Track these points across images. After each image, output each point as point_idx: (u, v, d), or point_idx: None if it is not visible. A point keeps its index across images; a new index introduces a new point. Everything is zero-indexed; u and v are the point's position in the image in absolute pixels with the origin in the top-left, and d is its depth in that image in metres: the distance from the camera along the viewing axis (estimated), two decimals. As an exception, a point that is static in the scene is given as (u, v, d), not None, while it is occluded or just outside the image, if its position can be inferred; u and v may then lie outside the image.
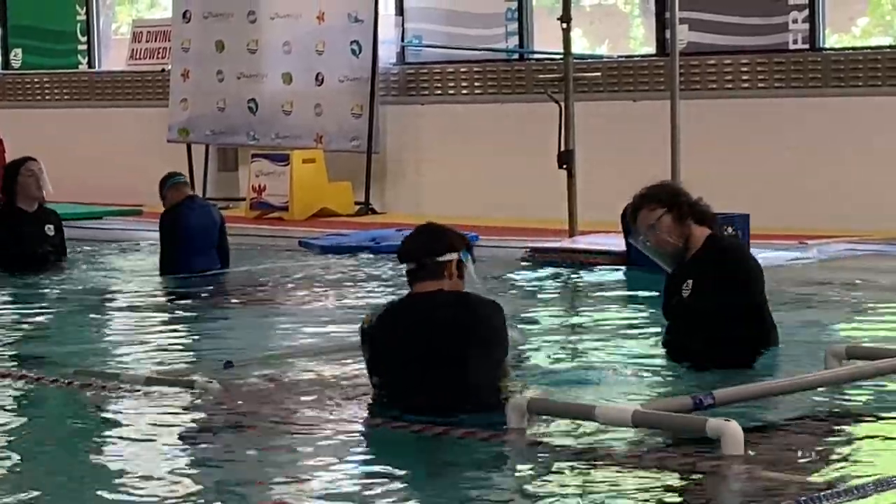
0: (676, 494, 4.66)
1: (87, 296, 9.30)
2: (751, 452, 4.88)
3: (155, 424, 5.59)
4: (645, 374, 6.38)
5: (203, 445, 5.38)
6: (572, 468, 4.88)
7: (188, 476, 4.96)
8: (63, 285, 9.74)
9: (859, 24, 13.40)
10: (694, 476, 4.74)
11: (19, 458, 5.22)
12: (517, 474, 4.93)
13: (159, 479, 4.90)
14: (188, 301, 9.12)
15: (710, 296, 6.29)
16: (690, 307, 6.36)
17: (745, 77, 12.74)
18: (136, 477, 4.93)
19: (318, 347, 7.05)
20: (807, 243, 10.94)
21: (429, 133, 14.40)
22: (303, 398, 5.93)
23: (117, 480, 4.90)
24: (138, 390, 6.08)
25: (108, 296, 9.37)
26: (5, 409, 5.98)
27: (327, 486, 4.84)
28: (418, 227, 5.82)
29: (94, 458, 5.21)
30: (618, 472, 4.83)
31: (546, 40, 13.67)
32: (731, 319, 6.29)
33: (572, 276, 9.80)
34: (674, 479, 4.73)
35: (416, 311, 5.64)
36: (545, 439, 5.20)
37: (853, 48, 12.70)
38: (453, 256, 5.65)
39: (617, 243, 10.00)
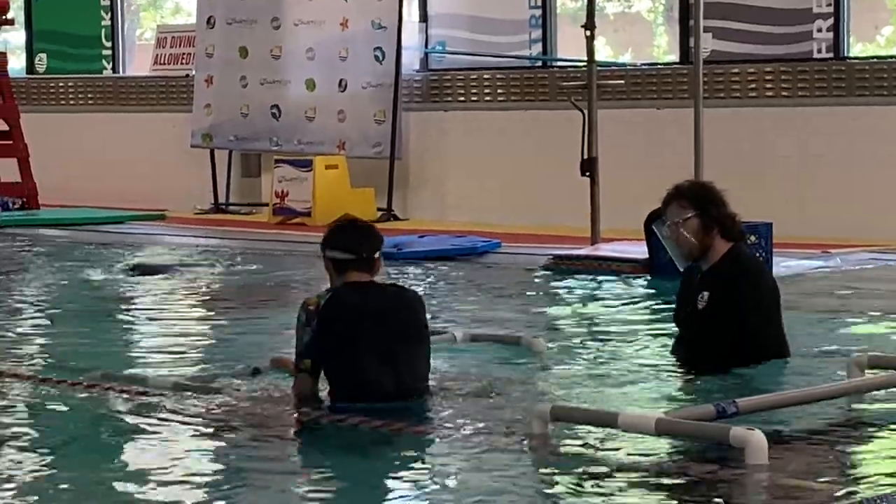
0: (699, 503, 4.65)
1: (107, 300, 9.33)
2: (774, 462, 4.86)
3: (181, 431, 5.59)
4: (668, 382, 6.36)
5: (230, 452, 5.38)
6: (594, 476, 4.87)
7: (214, 482, 4.97)
8: (83, 289, 9.78)
9: (884, 33, 13.37)
10: (717, 485, 4.73)
11: (43, 462, 5.23)
12: (537, 482, 4.92)
13: (185, 484, 4.91)
14: (213, 306, 9.14)
15: (724, 310, 6.29)
16: (705, 320, 6.35)
17: (769, 86, 12.72)
18: (161, 482, 4.94)
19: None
20: (830, 252, 10.91)
21: (451, 140, 14.41)
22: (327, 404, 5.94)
23: (142, 486, 4.91)
24: (165, 395, 6.08)
25: (131, 300, 9.39)
26: (30, 413, 6.00)
27: (356, 491, 4.85)
28: (350, 222, 6.04)
29: (119, 464, 5.22)
30: (640, 480, 4.82)
31: (569, 48, 13.67)
32: (744, 334, 6.29)
33: (595, 283, 9.79)
34: (696, 488, 4.72)
35: (377, 297, 5.79)
36: (567, 447, 5.19)
37: (878, 57, 12.67)
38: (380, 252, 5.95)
39: (640, 251, 9.98)
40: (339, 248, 5.84)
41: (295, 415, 5.73)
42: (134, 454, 5.33)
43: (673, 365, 6.55)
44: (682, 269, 6.60)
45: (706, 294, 6.37)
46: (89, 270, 10.65)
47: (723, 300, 6.31)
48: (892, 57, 12.62)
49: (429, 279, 10.18)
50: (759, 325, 6.35)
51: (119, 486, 4.89)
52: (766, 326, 6.38)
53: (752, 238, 9.74)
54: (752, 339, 6.33)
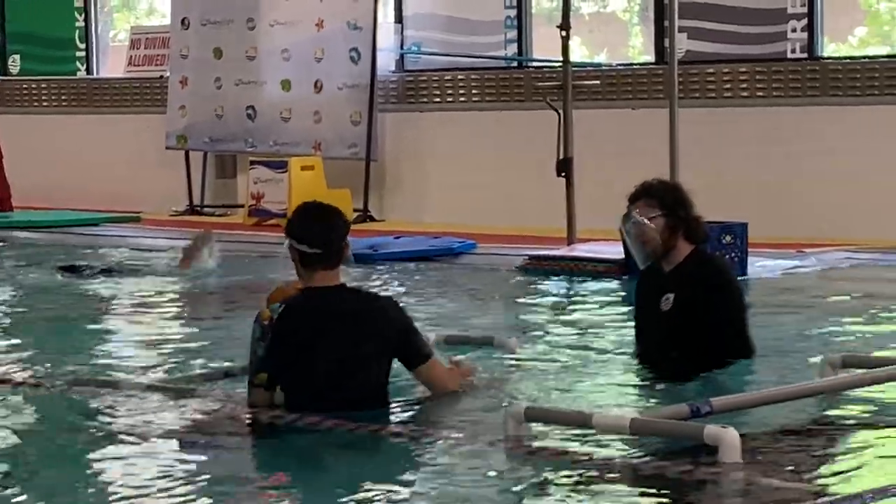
0: (674, 502, 4.65)
1: (84, 302, 9.30)
2: (748, 460, 4.87)
3: (154, 434, 5.57)
4: (642, 383, 6.37)
5: (204, 455, 5.36)
6: (569, 476, 4.87)
7: (187, 488, 4.95)
8: (58, 291, 9.74)
9: (857, 34, 13.42)
10: (692, 484, 4.73)
11: (15, 467, 5.20)
12: (512, 482, 4.92)
13: (159, 489, 4.89)
14: (188, 308, 9.11)
15: (693, 311, 6.25)
16: (672, 321, 6.32)
17: (743, 86, 12.75)
18: (134, 488, 4.92)
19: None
20: (805, 252, 10.94)
21: (427, 140, 14.41)
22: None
23: (114, 491, 4.88)
24: (138, 398, 6.05)
25: (106, 302, 9.35)
26: (1, 417, 5.96)
27: (328, 494, 4.84)
28: (314, 209, 5.79)
29: (92, 468, 5.19)
30: (615, 480, 4.83)
31: (545, 48, 13.68)
32: (713, 334, 6.28)
33: (570, 284, 9.80)
34: (671, 487, 4.72)
35: (341, 300, 5.65)
36: (542, 447, 5.19)
37: (851, 58, 12.72)
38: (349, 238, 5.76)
39: (615, 251, 9.99)
40: (306, 241, 5.63)
41: (267, 418, 5.68)
42: (106, 459, 5.30)
43: (643, 369, 6.53)
44: (641, 268, 6.57)
45: (671, 296, 6.33)
46: (59, 273, 10.60)
47: (691, 300, 6.28)
48: (865, 57, 12.67)
49: (405, 280, 10.17)
50: (732, 324, 6.35)
51: (92, 497, 4.86)
52: (738, 325, 6.39)
53: (728, 238, 9.76)
54: (727, 340, 6.33)
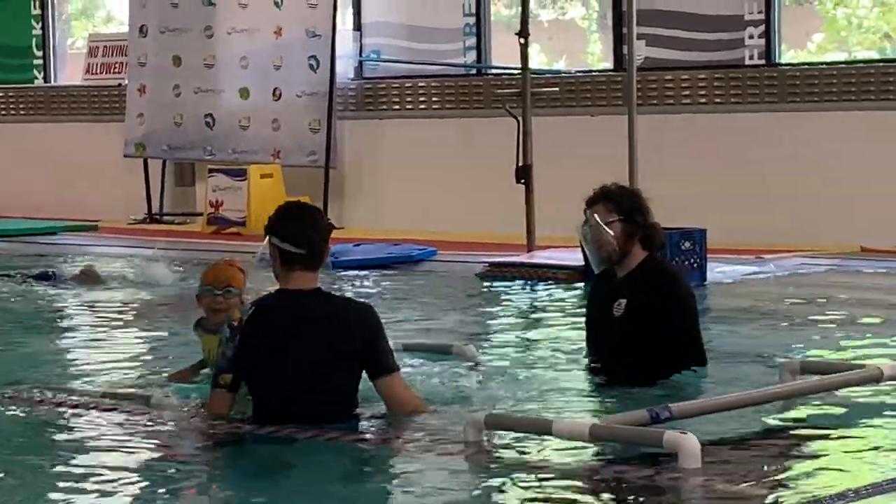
0: (633, 509, 4.66)
1: (41, 310, 9.24)
2: (708, 466, 4.88)
3: (110, 441, 5.53)
4: (602, 389, 6.37)
5: (160, 462, 5.33)
6: (530, 483, 4.87)
7: (142, 493, 4.92)
8: (15, 300, 9.68)
9: (814, 40, 13.50)
10: (652, 490, 4.74)
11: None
12: (474, 489, 4.92)
13: (114, 496, 4.85)
14: (144, 314, 9.06)
15: (646, 317, 6.25)
16: (624, 326, 6.31)
17: (702, 92, 12.80)
18: (89, 494, 4.88)
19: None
20: (763, 258, 10.98)
21: (386, 148, 14.40)
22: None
23: (68, 499, 4.85)
24: (93, 405, 6.01)
25: (62, 309, 9.30)
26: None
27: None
28: (299, 208, 5.77)
29: (46, 477, 5.15)
30: (575, 486, 4.82)
31: (504, 55, 13.70)
32: (667, 342, 6.28)
33: (530, 291, 9.80)
34: (631, 493, 4.73)
35: (315, 304, 5.58)
36: (502, 454, 5.18)
37: (809, 64, 12.79)
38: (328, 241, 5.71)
39: (575, 258, 10.00)
40: (289, 240, 5.55)
41: (227, 426, 5.65)
42: (59, 472, 5.25)
43: (591, 373, 6.54)
44: (596, 272, 6.58)
45: (623, 301, 6.33)
46: (12, 282, 10.53)
47: (643, 307, 6.28)
48: (822, 63, 12.74)
49: (364, 288, 10.15)
50: (686, 332, 6.36)
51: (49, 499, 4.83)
52: (692, 333, 6.40)
53: (687, 244, 9.79)
54: (682, 347, 6.33)
